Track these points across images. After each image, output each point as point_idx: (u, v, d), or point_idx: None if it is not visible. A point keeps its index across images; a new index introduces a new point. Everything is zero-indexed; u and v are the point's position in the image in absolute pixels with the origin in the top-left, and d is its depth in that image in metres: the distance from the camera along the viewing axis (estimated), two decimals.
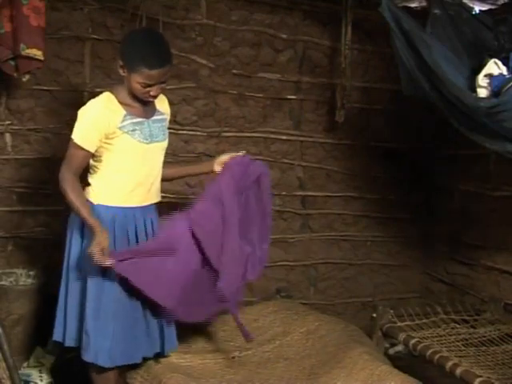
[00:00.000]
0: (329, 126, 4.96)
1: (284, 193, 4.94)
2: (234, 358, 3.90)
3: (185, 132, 4.62)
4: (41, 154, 4.29)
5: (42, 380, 3.86)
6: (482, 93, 3.43)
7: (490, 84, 3.40)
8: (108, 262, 3.06)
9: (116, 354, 3.24)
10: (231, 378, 3.61)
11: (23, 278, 4.23)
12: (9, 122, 4.22)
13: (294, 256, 5.04)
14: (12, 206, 4.28)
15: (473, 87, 3.47)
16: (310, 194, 5.01)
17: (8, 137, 4.24)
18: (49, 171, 4.28)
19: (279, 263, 4.98)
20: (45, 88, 4.27)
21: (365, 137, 5.05)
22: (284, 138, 4.89)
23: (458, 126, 3.56)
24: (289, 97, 4.88)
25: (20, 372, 3.73)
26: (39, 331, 4.23)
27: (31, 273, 4.25)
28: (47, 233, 4.32)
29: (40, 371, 3.89)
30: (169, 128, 4.12)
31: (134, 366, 3.49)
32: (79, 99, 4.22)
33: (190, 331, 4.02)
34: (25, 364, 3.93)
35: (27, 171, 4.28)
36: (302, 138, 4.95)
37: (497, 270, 4.64)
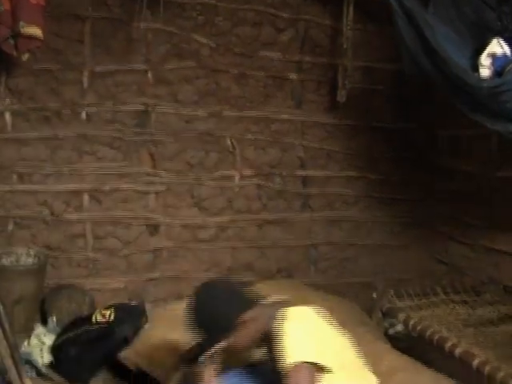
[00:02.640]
0: (330, 106, 4.95)
1: (285, 173, 4.94)
2: None
3: (185, 112, 4.61)
4: (41, 133, 4.29)
5: (43, 358, 3.87)
6: (485, 72, 3.41)
7: (492, 64, 3.38)
8: None
9: None
10: None
11: (24, 258, 4.25)
12: (8, 101, 4.22)
13: (295, 236, 5.04)
14: (12, 185, 4.28)
15: (475, 67, 3.45)
16: (310, 173, 5.01)
17: (8, 116, 4.24)
18: (49, 150, 4.30)
19: (280, 243, 4.98)
20: (45, 67, 4.26)
21: (366, 117, 5.03)
22: (285, 117, 4.87)
23: (460, 105, 3.54)
24: (290, 76, 4.86)
25: (21, 351, 3.74)
26: (40, 310, 4.26)
27: (32, 252, 4.26)
28: (48, 212, 4.32)
29: (41, 350, 3.89)
30: (169, 107, 4.17)
31: None
32: (79, 78, 4.22)
33: None
34: (26, 343, 3.93)
35: (27, 150, 4.28)
36: (303, 118, 4.93)
37: (497, 252, 4.62)
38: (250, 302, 2.69)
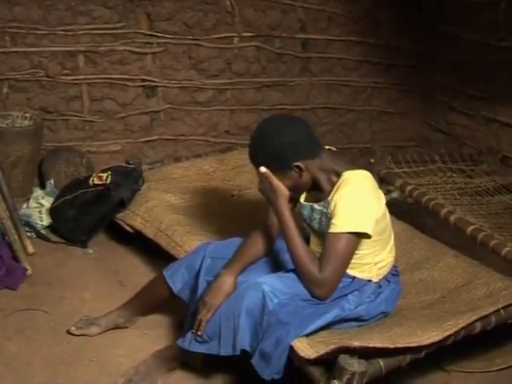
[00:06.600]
0: None
1: (284, 35, 4.81)
2: (233, 196, 3.98)
3: None
4: None
5: (42, 220, 3.92)
6: None
7: None
8: None
9: None
10: (232, 217, 3.69)
11: (19, 120, 4.21)
12: None
13: (293, 100, 4.99)
14: (5, 48, 4.16)
15: None
16: (311, 36, 4.88)
17: None
18: (43, 10, 4.17)
19: (278, 107, 4.94)
20: None
21: None
22: None
23: None
24: None
25: (20, 213, 3.78)
26: (38, 174, 4.27)
27: (27, 115, 4.22)
28: (42, 74, 4.25)
29: (40, 212, 3.94)
30: None
31: None
32: None
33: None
34: (24, 205, 3.98)
35: (20, 10, 4.13)
36: None
37: (497, 122, 4.62)
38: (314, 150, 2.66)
